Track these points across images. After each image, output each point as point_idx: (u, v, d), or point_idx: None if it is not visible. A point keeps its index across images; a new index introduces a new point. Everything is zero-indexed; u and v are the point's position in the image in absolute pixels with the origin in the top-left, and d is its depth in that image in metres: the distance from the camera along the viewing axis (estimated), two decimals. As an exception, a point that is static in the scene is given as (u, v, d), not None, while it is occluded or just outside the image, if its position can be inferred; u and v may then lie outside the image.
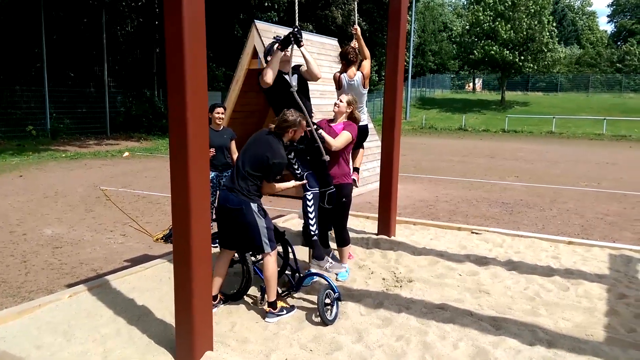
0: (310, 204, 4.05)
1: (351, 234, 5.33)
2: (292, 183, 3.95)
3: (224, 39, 22.32)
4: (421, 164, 14.02)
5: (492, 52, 34.66)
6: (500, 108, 36.14)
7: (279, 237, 3.90)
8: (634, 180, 11.58)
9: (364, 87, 4.87)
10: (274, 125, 3.71)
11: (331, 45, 10.74)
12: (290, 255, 4.09)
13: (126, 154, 15.27)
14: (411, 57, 33.78)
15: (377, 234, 5.79)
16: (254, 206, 3.47)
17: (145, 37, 22.85)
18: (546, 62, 35.92)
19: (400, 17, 5.55)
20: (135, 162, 13.83)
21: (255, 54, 8.47)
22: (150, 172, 11.75)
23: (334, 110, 4.38)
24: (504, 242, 5.56)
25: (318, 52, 9.90)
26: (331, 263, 4.06)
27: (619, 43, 57.65)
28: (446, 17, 56.96)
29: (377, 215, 5.93)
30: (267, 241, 3.49)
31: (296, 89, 4.05)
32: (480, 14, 35.93)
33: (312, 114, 4.19)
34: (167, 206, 7.75)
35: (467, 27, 38.73)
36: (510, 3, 34.88)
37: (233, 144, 5.86)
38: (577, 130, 26.78)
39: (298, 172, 4.09)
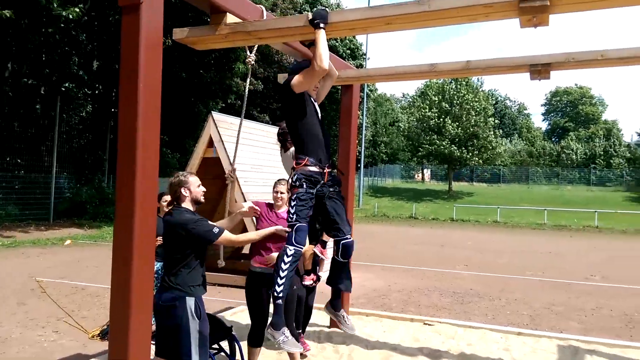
0: (287, 260, 3.34)
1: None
2: (264, 232, 3.49)
3: (181, 123, 22.61)
4: (374, 252, 14.08)
5: (441, 148, 36.71)
6: (448, 198, 37.56)
7: (226, 332, 3.72)
8: (576, 269, 12.01)
9: None
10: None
11: (285, 136, 11.08)
12: (237, 355, 3.88)
13: (68, 242, 14.56)
14: (363, 148, 35.17)
15: (329, 327, 5.64)
16: (189, 302, 3.04)
17: (99, 123, 22.83)
18: (489, 156, 38.34)
19: (352, 114, 5.87)
20: (78, 250, 13.17)
21: (210, 143, 8.58)
22: (93, 262, 11.17)
23: (279, 198, 4.20)
24: (456, 334, 5.52)
25: (274, 143, 10.15)
26: (287, 337, 3.41)
27: (553, 139, 62.57)
28: (396, 112, 60.48)
29: (329, 307, 5.81)
30: (196, 350, 3.00)
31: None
32: (427, 111, 38.47)
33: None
34: (107, 299, 7.29)
35: (415, 122, 41.18)
36: (456, 102, 37.66)
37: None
38: (520, 220, 27.97)
39: (291, 218, 3.43)
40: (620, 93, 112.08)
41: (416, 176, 53.00)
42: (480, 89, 40.65)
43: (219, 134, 8.32)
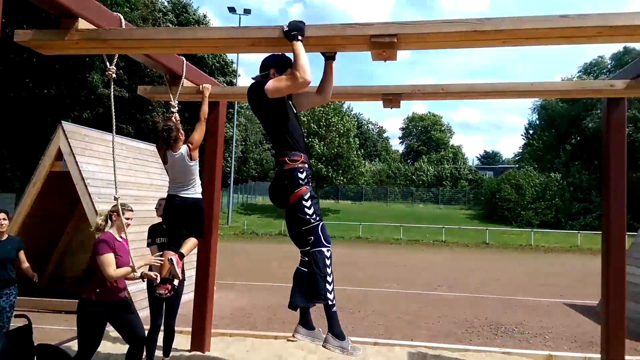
0: (328, 262, 3.22)
1: (161, 353, 4.92)
2: None
3: (27, 137, 20.32)
4: (240, 270, 13.95)
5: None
6: (315, 215, 38.79)
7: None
8: (426, 280, 13.15)
9: (191, 159, 4.37)
10: None
11: (149, 150, 10.54)
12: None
13: None
14: (233, 164, 34.88)
15: (189, 350, 5.44)
16: None
17: None
18: (352, 176, 40.56)
19: (218, 130, 5.79)
20: None
21: (59, 156, 7.83)
22: None
23: (129, 224, 4.01)
24: (318, 349, 5.63)
25: (134, 157, 9.61)
26: (351, 344, 3.40)
27: (408, 161, 68.19)
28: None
29: (190, 329, 5.62)
30: None
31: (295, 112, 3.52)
32: (296, 130, 39.72)
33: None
34: None
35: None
36: (323, 123, 39.31)
37: (22, 254, 5.14)
38: (379, 235, 29.87)
39: (313, 218, 3.27)
40: (464, 122, 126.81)
41: (285, 193, 53.87)
42: (346, 114, 42.97)
43: (70, 146, 7.65)
